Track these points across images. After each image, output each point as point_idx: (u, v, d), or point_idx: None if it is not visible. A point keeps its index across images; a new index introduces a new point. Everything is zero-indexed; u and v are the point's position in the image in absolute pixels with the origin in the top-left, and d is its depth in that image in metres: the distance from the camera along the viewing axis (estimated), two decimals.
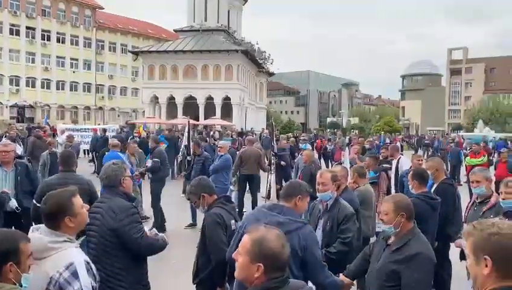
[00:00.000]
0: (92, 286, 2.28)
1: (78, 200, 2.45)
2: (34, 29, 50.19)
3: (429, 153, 26.15)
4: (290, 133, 31.74)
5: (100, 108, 55.97)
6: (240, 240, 2.97)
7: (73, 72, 53.98)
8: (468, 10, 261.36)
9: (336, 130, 54.06)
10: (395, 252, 2.92)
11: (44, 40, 51.04)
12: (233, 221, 3.56)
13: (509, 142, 26.31)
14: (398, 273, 2.85)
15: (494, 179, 9.93)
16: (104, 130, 18.91)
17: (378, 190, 7.38)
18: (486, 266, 1.64)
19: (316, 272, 2.91)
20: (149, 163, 8.71)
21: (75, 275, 2.20)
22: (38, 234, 2.31)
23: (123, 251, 3.12)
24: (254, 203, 9.77)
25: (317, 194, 3.98)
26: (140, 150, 9.98)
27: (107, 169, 3.39)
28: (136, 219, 3.19)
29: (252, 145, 10.24)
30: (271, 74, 56.43)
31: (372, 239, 6.92)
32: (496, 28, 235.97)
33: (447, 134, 46.72)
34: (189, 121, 11.42)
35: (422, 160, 7.41)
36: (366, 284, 3.28)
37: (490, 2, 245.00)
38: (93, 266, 2.37)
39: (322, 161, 19.10)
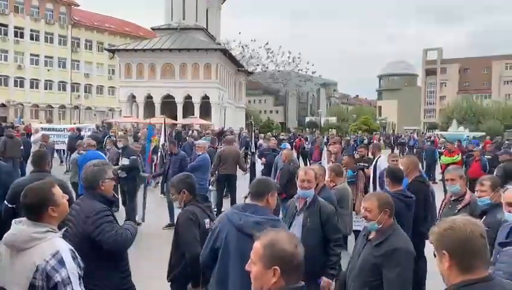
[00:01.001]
0: (78, 273, 2.31)
1: (58, 190, 2.49)
2: (6, 26, 48.82)
3: (405, 152, 26.61)
4: (269, 133, 31.81)
5: (76, 107, 54.94)
6: (215, 241, 2.93)
7: (48, 70, 52.79)
8: (443, 11, 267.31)
9: (314, 129, 54.49)
10: (376, 247, 3.01)
11: (17, 37, 49.73)
12: (207, 220, 3.54)
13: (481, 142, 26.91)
14: (379, 268, 2.94)
15: (469, 176, 10.19)
16: (79, 130, 18.53)
17: (356, 189, 7.45)
18: (446, 260, 1.72)
19: None
20: (126, 161, 8.56)
21: (61, 262, 2.23)
22: (21, 226, 2.33)
23: (97, 255, 3.04)
24: (233, 203, 9.73)
25: (300, 191, 3.97)
26: (116, 149, 9.83)
27: (87, 170, 3.31)
28: (108, 220, 3.13)
29: (230, 145, 10.22)
30: (250, 73, 56.48)
31: (350, 237, 7.01)
32: (470, 29, 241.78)
33: (422, 133, 47.61)
34: (165, 120, 11.29)
35: (397, 159, 7.50)
36: (348, 281, 3.32)
37: (464, 4, 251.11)
38: (77, 254, 2.39)
39: (301, 159, 19.20)
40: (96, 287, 3.01)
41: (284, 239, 1.78)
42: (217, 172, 9.75)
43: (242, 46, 57.07)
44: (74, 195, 5.40)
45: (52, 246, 2.28)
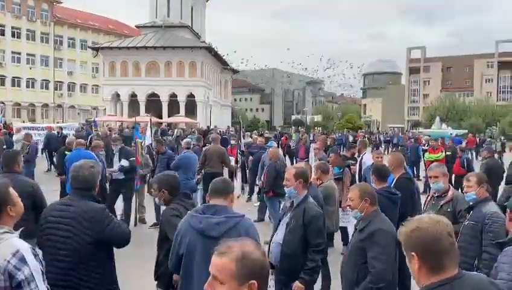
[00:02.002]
0: (41, 269, 2.30)
1: (13, 190, 2.49)
2: None
3: (390, 149, 26.93)
4: (255, 131, 31.87)
5: (59, 106, 54.17)
6: (179, 247, 2.85)
7: (30, 68, 51.98)
8: (427, 11, 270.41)
9: (299, 127, 54.76)
10: (360, 232, 3.28)
11: None
12: None
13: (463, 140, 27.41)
14: (364, 250, 3.19)
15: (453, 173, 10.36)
16: (61, 128, 18.37)
17: (342, 186, 7.53)
18: (415, 261, 1.70)
19: None
20: (125, 162, 8.43)
21: (23, 260, 2.22)
22: None
23: (99, 253, 3.06)
24: None
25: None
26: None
27: (84, 171, 3.22)
28: (112, 217, 3.19)
29: (216, 144, 10.21)
30: (235, 71, 56.40)
31: (336, 234, 7.07)
32: (453, 29, 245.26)
33: (406, 131, 48.20)
34: (151, 119, 11.22)
35: (382, 156, 7.60)
36: (341, 270, 3.46)
37: (448, 3, 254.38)
38: (39, 251, 2.42)
39: (287, 158, 19.28)
40: (91, 284, 3.02)
41: (253, 248, 1.59)
42: (202, 171, 9.71)
43: None
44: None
45: (12, 246, 2.26)
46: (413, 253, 1.70)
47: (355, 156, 9.14)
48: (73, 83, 56.77)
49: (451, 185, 4.97)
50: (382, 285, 3.09)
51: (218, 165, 9.73)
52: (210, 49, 41.45)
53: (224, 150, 10.24)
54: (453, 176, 10.98)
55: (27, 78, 51.82)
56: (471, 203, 3.97)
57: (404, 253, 1.78)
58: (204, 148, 10.41)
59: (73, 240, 2.97)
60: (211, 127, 32.58)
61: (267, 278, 1.62)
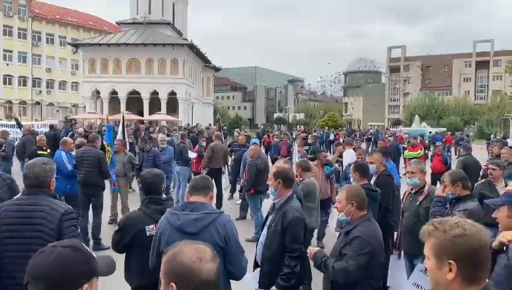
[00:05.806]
0: None
1: None
2: None
3: (372, 147, 27.23)
4: (237, 129, 31.79)
5: (37, 103, 53.13)
6: (159, 246, 2.82)
7: (7, 64, 50.88)
8: (408, 10, 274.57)
9: (281, 125, 54.97)
10: (344, 236, 3.18)
11: None
12: (152, 226, 3.36)
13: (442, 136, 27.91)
14: (343, 255, 3.11)
15: (430, 170, 10.51)
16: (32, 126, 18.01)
17: (330, 182, 7.69)
18: (451, 270, 1.54)
19: (240, 259, 2.91)
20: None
21: None
22: None
23: None
24: (218, 197, 9.71)
25: None
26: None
27: (35, 168, 3.12)
28: (76, 224, 3.09)
29: (219, 141, 10.66)
30: (217, 69, 56.19)
31: (317, 230, 7.13)
32: (433, 28, 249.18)
33: (387, 129, 48.83)
34: (123, 116, 11.31)
35: (363, 154, 7.71)
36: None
37: (427, 3, 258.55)
38: None
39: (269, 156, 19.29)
40: None
41: (186, 252, 1.52)
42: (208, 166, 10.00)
43: None
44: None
45: None
46: (451, 261, 1.53)
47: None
48: (52, 79, 55.76)
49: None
50: (342, 281, 3.03)
51: (221, 162, 10.33)
52: (192, 47, 41.17)
53: (227, 148, 10.90)
54: (430, 172, 11.16)
55: (4, 75, 50.72)
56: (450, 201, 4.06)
57: (431, 256, 1.60)
58: (210, 145, 10.69)
59: (45, 240, 2.84)
60: (194, 125, 32.40)
61: (193, 284, 1.48)
